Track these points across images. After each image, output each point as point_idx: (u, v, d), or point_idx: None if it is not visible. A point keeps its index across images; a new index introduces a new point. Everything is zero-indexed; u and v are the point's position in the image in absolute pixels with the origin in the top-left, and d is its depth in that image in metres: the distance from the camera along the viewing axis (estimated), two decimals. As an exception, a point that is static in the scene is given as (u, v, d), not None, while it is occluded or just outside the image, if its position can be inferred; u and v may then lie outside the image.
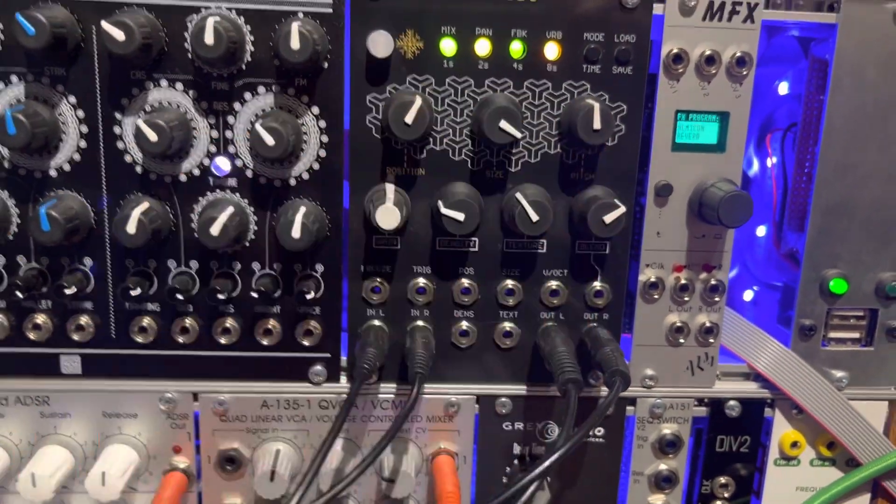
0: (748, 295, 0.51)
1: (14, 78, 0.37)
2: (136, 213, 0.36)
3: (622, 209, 0.38)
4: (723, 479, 0.45)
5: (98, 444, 0.41)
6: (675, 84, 0.39)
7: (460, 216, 0.37)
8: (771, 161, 0.46)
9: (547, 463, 0.33)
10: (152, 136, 0.36)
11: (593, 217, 0.38)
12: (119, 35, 0.35)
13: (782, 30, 0.42)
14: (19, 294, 0.38)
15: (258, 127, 0.36)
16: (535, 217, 0.37)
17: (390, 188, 0.38)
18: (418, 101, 0.36)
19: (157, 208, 0.38)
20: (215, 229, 0.37)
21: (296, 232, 0.37)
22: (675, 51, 0.39)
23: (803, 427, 0.45)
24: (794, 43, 0.44)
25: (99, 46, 0.36)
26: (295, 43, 0.35)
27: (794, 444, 0.45)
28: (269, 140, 0.36)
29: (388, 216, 0.37)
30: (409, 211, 0.39)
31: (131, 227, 0.36)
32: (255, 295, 0.39)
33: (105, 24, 0.34)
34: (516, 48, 0.38)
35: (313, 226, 0.37)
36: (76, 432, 0.41)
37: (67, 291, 0.38)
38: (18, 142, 0.36)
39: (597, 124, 0.37)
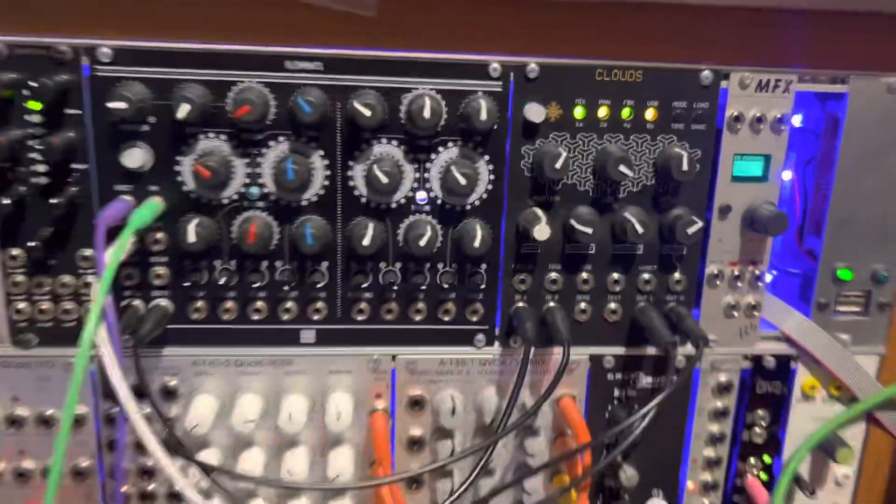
0: (768, 277, 0.68)
1: (281, 138, 0.53)
2: (370, 231, 0.53)
3: (700, 224, 0.54)
4: (761, 412, 0.62)
5: (324, 392, 0.58)
6: (734, 136, 0.56)
7: (588, 230, 0.54)
8: (794, 182, 0.63)
9: (662, 395, 0.50)
10: (384, 178, 0.52)
11: (680, 230, 0.55)
12: (367, 112, 0.51)
13: (807, 91, 0.59)
14: (285, 287, 0.55)
15: (454, 171, 0.52)
16: (640, 230, 0.54)
17: (540, 212, 0.54)
18: (564, 154, 0.52)
19: (379, 227, 0.54)
20: (423, 242, 0.53)
21: (478, 243, 0.54)
22: (735, 113, 0.55)
23: (819, 375, 0.62)
24: (811, 95, 0.61)
25: (342, 117, 0.53)
26: (484, 115, 0.51)
27: (812, 387, 0.62)
28: (462, 181, 0.53)
29: (542, 232, 0.53)
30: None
31: (367, 240, 0.53)
32: (441, 285, 0.56)
33: (356, 104, 0.50)
34: (626, 113, 0.54)
35: (488, 238, 0.54)
36: (309, 384, 0.58)
37: (319, 284, 0.55)
38: (293, 185, 0.52)
39: (685, 167, 0.53)
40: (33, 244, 0.52)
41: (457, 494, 0.53)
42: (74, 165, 0.51)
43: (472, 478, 0.52)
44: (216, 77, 0.51)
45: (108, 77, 0.50)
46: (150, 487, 0.58)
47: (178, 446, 0.52)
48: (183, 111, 0.49)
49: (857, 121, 0.56)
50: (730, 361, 0.61)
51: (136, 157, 0.51)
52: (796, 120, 0.63)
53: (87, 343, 0.46)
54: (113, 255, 0.47)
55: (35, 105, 0.50)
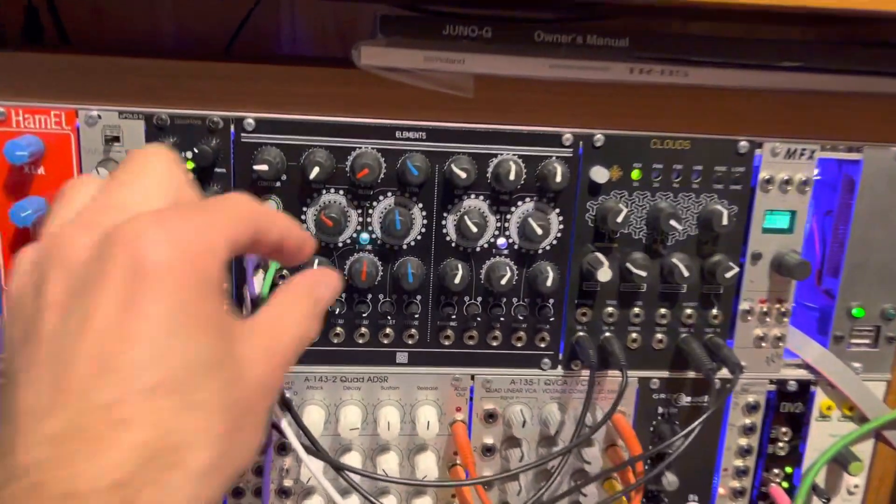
0: (793, 311, 0.78)
1: (389, 193, 0.63)
2: (459, 272, 0.63)
3: (736, 269, 0.65)
4: (783, 429, 0.72)
5: (413, 406, 0.69)
6: (765, 195, 0.66)
7: (643, 273, 0.64)
8: (814, 230, 0.73)
9: (706, 415, 0.60)
10: (473, 228, 0.63)
11: (719, 274, 0.65)
12: (462, 174, 0.61)
13: (827, 155, 0.69)
14: (388, 317, 0.65)
15: (532, 223, 0.63)
16: (686, 273, 0.64)
17: (602, 257, 0.65)
18: (625, 210, 0.63)
19: (464, 268, 0.64)
20: (504, 281, 0.64)
21: (549, 283, 0.64)
22: (766, 176, 0.65)
23: (834, 397, 0.72)
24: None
25: (438, 177, 0.63)
26: (559, 178, 0.62)
27: (828, 408, 0.72)
28: (539, 231, 0.63)
29: (605, 274, 0.63)
30: (609, 269, 0.66)
31: (457, 279, 0.63)
32: (516, 316, 0.67)
33: (454, 168, 0.61)
34: (675, 175, 0.65)
35: (557, 278, 0.64)
36: (401, 398, 0.68)
37: (415, 315, 0.65)
38: (400, 234, 0.62)
39: (724, 222, 0.64)
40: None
41: (534, 498, 0.63)
42: (218, 214, 0.62)
43: (548, 486, 0.62)
44: (338, 144, 0.61)
45: (251, 143, 0.61)
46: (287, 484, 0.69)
47: (316, 450, 0.62)
48: (314, 173, 0.59)
49: (869, 182, 0.67)
50: (757, 385, 0.71)
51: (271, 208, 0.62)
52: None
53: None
54: (264, 286, 0.57)
55: (190, 164, 0.61)
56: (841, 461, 0.72)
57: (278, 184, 0.62)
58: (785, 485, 0.74)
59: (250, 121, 0.60)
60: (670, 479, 0.70)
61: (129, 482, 0.29)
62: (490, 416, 0.69)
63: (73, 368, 0.30)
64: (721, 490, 0.73)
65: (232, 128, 0.61)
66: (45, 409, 0.30)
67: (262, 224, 0.37)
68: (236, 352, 0.34)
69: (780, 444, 0.72)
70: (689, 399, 0.70)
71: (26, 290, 0.33)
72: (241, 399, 0.33)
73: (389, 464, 0.67)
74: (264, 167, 0.59)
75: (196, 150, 0.59)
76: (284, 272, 0.63)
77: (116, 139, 0.60)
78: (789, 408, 0.72)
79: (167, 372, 0.30)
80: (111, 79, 0.59)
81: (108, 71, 0.59)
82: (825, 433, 0.72)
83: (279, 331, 0.37)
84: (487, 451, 0.69)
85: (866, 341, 0.71)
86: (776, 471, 0.73)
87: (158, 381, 0.30)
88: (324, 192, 0.62)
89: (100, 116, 0.59)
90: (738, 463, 0.72)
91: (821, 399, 0.72)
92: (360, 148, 0.62)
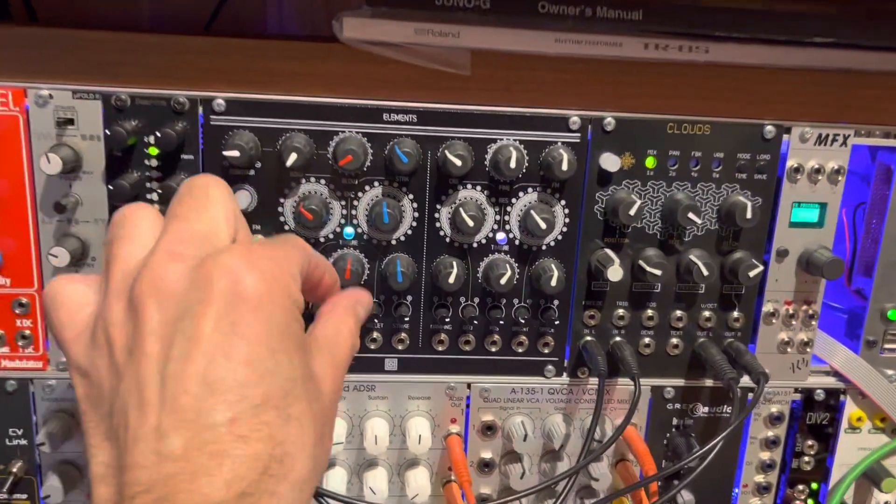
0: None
1: (376, 183, 0.57)
2: (454, 270, 0.57)
3: (760, 268, 0.58)
4: (809, 442, 0.66)
5: (403, 417, 0.62)
6: (793, 185, 0.60)
7: (658, 272, 0.58)
8: (844, 224, 0.67)
9: (728, 430, 0.54)
10: (470, 222, 0.56)
11: (742, 273, 0.58)
12: (458, 162, 0.55)
13: (860, 142, 0.63)
14: (374, 319, 0.59)
15: (535, 215, 0.57)
16: (706, 272, 0.58)
17: (612, 254, 0.59)
18: (638, 202, 0.56)
19: (460, 266, 0.58)
20: (503, 280, 0.57)
21: (554, 282, 0.58)
22: (794, 165, 0.59)
23: (865, 407, 0.66)
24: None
25: (431, 165, 0.57)
26: (565, 166, 0.55)
27: (859, 419, 0.66)
28: (543, 225, 0.57)
29: (616, 273, 0.57)
30: (620, 267, 0.59)
31: (452, 279, 0.57)
32: (517, 319, 0.60)
33: (448, 155, 0.55)
34: (693, 164, 0.59)
35: (563, 277, 0.58)
36: (390, 409, 0.62)
37: (405, 318, 0.59)
38: (388, 227, 0.56)
39: (748, 216, 0.57)
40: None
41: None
42: (186, 206, 0.56)
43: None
44: (319, 127, 0.55)
45: (221, 126, 0.54)
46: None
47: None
48: (291, 159, 0.53)
49: (907, 171, 0.60)
50: (781, 394, 0.65)
51: (242, 199, 0.55)
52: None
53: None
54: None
55: (153, 150, 0.54)
56: (872, 477, 0.65)
57: (252, 172, 0.56)
58: (810, 502, 0.67)
59: (220, 101, 0.54)
60: (686, 498, 0.64)
61: (252, 492, 0.32)
62: (488, 429, 0.63)
63: (186, 389, 0.32)
64: (740, 508, 0.67)
65: (200, 109, 0.54)
66: (165, 429, 0.32)
67: (314, 258, 0.42)
68: (312, 367, 0.38)
69: (806, 459, 0.66)
70: (706, 410, 0.64)
71: (116, 321, 0.36)
72: (321, 411, 0.37)
73: (377, 481, 0.61)
74: (235, 153, 0.53)
75: (159, 135, 0.53)
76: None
77: (70, 122, 0.54)
78: (816, 419, 0.66)
79: (269, 389, 0.34)
80: (63, 54, 0.53)
81: (59, 45, 0.53)
82: (855, 446, 0.66)
83: (339, 346, 0.41)
84: (485, 466, 0.63)
85: (901, 346, 0.64)
86: (801, 487, 0.67)
87: (264, 397, 0.33)
88: (303, 181, 0.56)
89: (51, 96, 0.53)
90: (760, 479, 0.66)
91: (850, 409, 0.65)
92: (343, 132, 0.55)
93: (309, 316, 0.40)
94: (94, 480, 0.34)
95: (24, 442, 0.59)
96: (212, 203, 0.39)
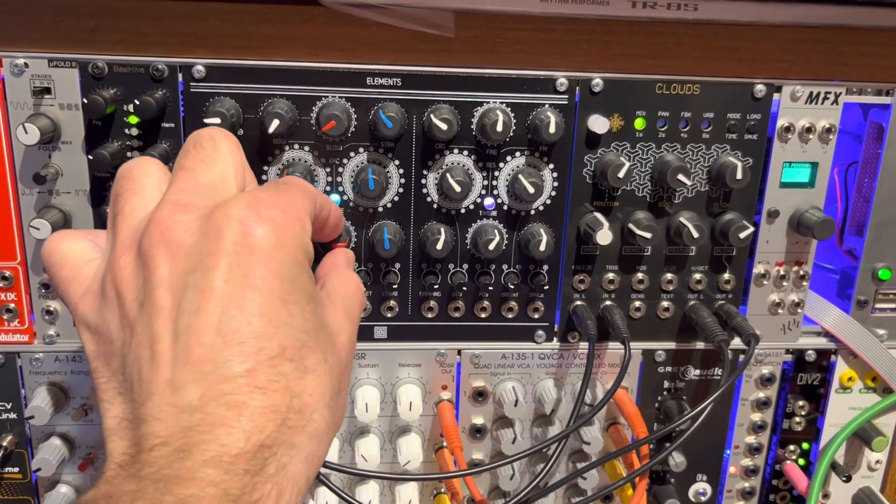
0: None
1: (360, 149, 0.56)
2: (442, 237, 0.56)
3: (751, 229, 0.58)
4: (801, 402, 0.66)
5: (394, 385, 0.62)
6: (784, 145, 0.59)
7: (648, 235, 0.57)
8: (836, 183, 0.66)
9: (719, 391, 0.54)
10: (457, 187, 0.56)
11: (733, 234, 0.58)
12: (443, 126, 0.54)
13: (851, 100, 0.62)
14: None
15: (523, 180, 0.56)
16: (696, 234, 0.57)
17: (601, 217, 0.58)
18: (627, 164, 0.56)
19: (448, 232, 0.58)
20: (492, 246, 0.57)
21: (543, 247, 0.57)
22: (785, 124, 0.58)
23: (856, 367, 0.65)
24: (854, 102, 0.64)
25: (416, 129, 0.56)
26: (553, 128, 0.55)
27: (849, 379, 0.66)
28: (531, 189, 0.56)
29: (605, 237, 0.57)
30: (610, 230, 0.59)
31: (440, 245, 0.56)
32: (506, 285, 0.60)
33: (434, 119, 0.54)
34: (683, 124, 0.58)
35: (552, 242, 0.57)
36: (380, 377, 0.62)
37: (393, 285, 0.58)
38: (374, 194, 0.55)
39: (739, 176, 0.57)
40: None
41: (531, 486, 0.57)
42: (168, 175, 0.55)
43: (544, 472, 0.56)
44: (301, 92, 0.54)
45: (202, 93, 0.53)
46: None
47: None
48: (273, 126, 0.52)
49: (899, 129, 0.60)
50: (773, 355, 0.64)
51: (226, 167, 0.54)
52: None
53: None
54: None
55: (133, 119, 0.53)
56: (862, 436, 0.66)
57: (235, 139, 0.55)
58: (801, 462, 0.68)
59: (200, 67, 0.53)
60: (677, 460, 0.64)
61: (271, 444, 0.31)
62: (479, 395, 0.63)
63: (201, 341, 0.32)
64: (732, 469, 0.67)
65: (179, 76, 0.53)
66: (179, 381, 0.32)
67: (319, 199, 0.41)
68: (325, 320, 0.37)
69: (797, 419, 0.66)
70: (697, 372, 0.64)
71: (125, 275, 0.35)
72: (338, 364, 0.37)
73: (369, 448, 0.61)
74: (217, 120, 0.52)
75: (138, 103, 0.52)
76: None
77: (47, 91, 0.53)
78: (807, 379, 0.66)
79: (284, 340, 0.33)
80: (38, 21, 0.52)
81: (33, 12, 0.52)
82: (845, 406, 0.66)
83: (350, 300, 0.41)
84: (477, 432, 0.63)
85: (892, 306, 0.64)
86: (792, 447, 0.67)
87: (280, 348, 0.33)
88: (286, 148, 0.55)
89: (27, 65, 0.52)
90: (751, 440, 0.66)
91: (841, 369, 0.65)
92: (325, 97, 0.54)
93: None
94: (109, 434, 0.34)
95: (13, 416, 0.59)
96: (219, 155, 0.39)
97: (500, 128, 0.54)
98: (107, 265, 0.36)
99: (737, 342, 0.60)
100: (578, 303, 0.61)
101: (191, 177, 0.37)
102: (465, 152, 0.57)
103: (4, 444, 0.59)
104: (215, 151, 0.39)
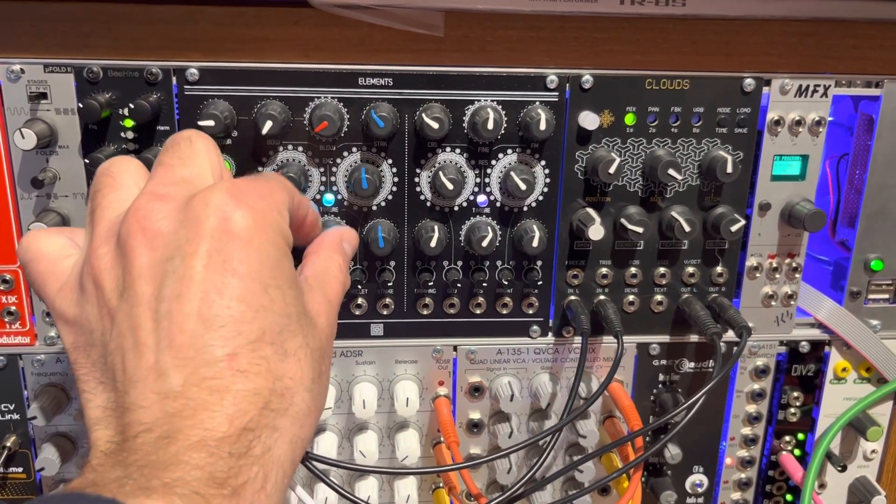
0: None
1: (354, 148, 0.57)
2: (436, 234, 0.57)
3: (743, 222, 0.58)
4: (795, 393, 0.67)
5: (391, 381, 0.63)
6: (774, 138, 0.59)
7: (640, 229, 0.58)
8: (828, 175, 0.66)
9: (711, 384, 0.54)
10: (450, 185, 0.56)
11: (724, 227, 0.58)
12: (435, 125, 0.54)
13: (842, 92, 0.62)
14: (358, 286, 0.59)
15: (515, 177, 0.56)
16: (688, 228, 0.58)
17: (593, 213, 0.58)
18: (617, 160, 0.56)
19: (441, 230, 0.58)
20: (485, 243, 0.57)
21: (536, 243, 0.58)
22: (775, 117, 0.59)
23: (850, 357, 0.66)
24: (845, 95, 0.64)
25: (408, 128, 0.56)
26: (543, 125, 0.55)
27: (844, 370, 0.66)
28: (523, 186, 0.56)
29: (597, 232, 0.57)
30: (602, 226, 0.59)
31: (433, 243, 0.57)
32: (500, 281, 0.61)
33: (426, 118, 0.54)
34: (673, 119, 0.58)
35: (545, 238, 0.58)
36: (378, 374, 0.63)
37: (388, 283, 0.59)
38: (367, 193, 0.56)
39: (729, 170, 0.57)
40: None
41: (525, 478, 0.58)
42: (164, 177, 0.56)
43: (539, 464, 0.56)
44: (294, 94, 0.55)
45: (196, 96, 0.54)
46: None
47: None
48: (267, 127, 0.53)
49: (890, 121, 0.60)
50: (767, 347, 0.65)
51: (220, 168, 0.55)
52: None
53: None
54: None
55: (129, 123, 0.54)
56: (857, 426, 0.66)
57: (229, 141, 0.55)
58: (797, 452, 0.68)
59: (193, 70, 0.54)
60: (673, 452, 0.65)
61: (254, 427, 0.32)
62: (475, 390, 0.63)
63: (182, 328, 0.32)
64: (728, 460, 0.68)
65: (173, 79, 0.54)
66: (162, 368, 0.32)
67: (296, 196, 0.41)
68: (305, 304, 0.37)
69: (792, 410, 0.67)
70: (692, 365, 0.65)
71: (104, 265, 0.35)
72: (318, 347, 0.37)
73: (368, 444, 0.62)
74: (211, 122, 0.52)
75: (133, 107, 0.52)
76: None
77: (43, 96, 0.53)
78: (801, 370, 0.66)
79: (264, 324, 0.34)
80: (34, 27, 0.52)
81: (28, 18, 0.52)
82: (840, 397, 0.67)
83: (329, 283, 0.41)
84: (474, 427, 0.64)
85: (885, 296, 0.65)
86: (787, 438, 0.68)
87: (260, 332, 0.33)
88: (280, 149, 0.56)
89: (23, 70, 0.53)
90: (747, 431, 0.67)
91: (835, 360, 0.66)
92: (318, 98, 0.55)
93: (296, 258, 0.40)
94: (92, 424, 0.34)
95: (16, 416, 0.60)
96: (196, 153, 0.39)
97: (491, 126, 0.54)
98: (84, 257, 0.36)
99: (730, 335, 0.61)
100: (572, 298, 0.62)
101: (169, 171, 0.38)
102: (458, 150, 0.57)
103: (8, 444, 0.60)
104: (192, 150, 0.39)
